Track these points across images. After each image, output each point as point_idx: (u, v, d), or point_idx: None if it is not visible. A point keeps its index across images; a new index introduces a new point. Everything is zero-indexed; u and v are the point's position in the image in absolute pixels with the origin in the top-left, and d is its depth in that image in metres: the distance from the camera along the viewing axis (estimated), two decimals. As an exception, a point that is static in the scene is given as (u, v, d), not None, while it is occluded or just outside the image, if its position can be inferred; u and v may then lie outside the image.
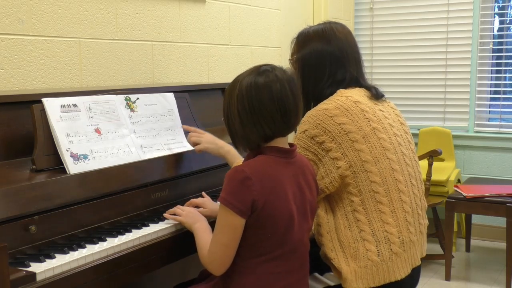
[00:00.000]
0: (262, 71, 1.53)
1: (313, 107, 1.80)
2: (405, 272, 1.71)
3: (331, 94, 1.80)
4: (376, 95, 1.84)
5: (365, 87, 1.85)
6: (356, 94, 1.78)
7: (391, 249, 1.68)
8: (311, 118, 1.73)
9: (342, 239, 1.70)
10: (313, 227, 1.74)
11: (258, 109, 1.49)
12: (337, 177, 1.68)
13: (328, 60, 1.83)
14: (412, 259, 1.75)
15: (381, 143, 1.72)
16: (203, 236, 1.57)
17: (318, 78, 1.84)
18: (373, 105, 1.79)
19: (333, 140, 1.69)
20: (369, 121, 1.73)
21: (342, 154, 1.68)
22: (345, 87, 1.81)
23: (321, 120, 1.71)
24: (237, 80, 1.55)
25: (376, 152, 1.71)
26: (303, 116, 1.73)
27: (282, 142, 1.57)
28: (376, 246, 1.67)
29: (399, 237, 1.69)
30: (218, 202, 1.50)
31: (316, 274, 1.80)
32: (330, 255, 1.71)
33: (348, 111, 1.72)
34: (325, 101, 1.77)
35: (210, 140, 1.95)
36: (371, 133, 1.72)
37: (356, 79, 1.85)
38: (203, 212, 1.76)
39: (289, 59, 1.96)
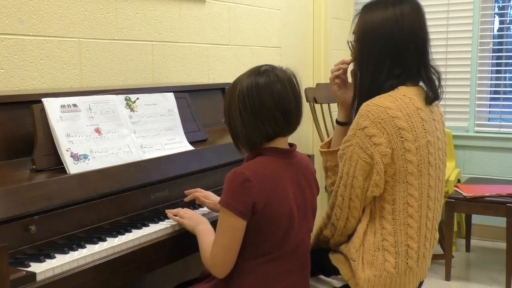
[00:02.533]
0: (262, 72, 1.52)
1: (364, 96, 1.67)
2: (414, 286, 1.70)
3: (391, 88, 1.67)
4: (432, 97, 1.70)
5: (423, 81, 1.71)
6: (417, 96, 1.67)
7: (407, 263, 1.65)
8: (371, 114, 1.61)
9: (364, 243, 1.66)
10: (340, 224, 1.70)
11: (259, 109, 1.49)
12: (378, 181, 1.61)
13: (393, 48, 1.67)
14: (421, 274, 1.73)
15: (428, 158, 1.65)
16: (206, 238, 1.57)
17: (378, 68, 1.68)
18: (430, 113, 1.69)
19: (389, 143, 1.59)
20: (426, 133, 1.64)
21: (392, 161, 1.60)
22: (404, 82, 1.68)
23: (382, 119, 1.59)
24: (237, 81, 1.55)
25: (422, 166, 1.63)
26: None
27: (282, 143, 1.57)
28: (395, 258, 1.64)
29: (416, 252, 1.66)
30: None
31: (322, 276, 1.77)
32: (353, 255, 1.66)
33: (409, 116, 1.61)
34: (385, 96, 1.64)
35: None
36: (425, 146, 1.63)
37: (417, 71, 1.70)
38: (206, 204, 1.77)
39: (348, 41, 1.82)
